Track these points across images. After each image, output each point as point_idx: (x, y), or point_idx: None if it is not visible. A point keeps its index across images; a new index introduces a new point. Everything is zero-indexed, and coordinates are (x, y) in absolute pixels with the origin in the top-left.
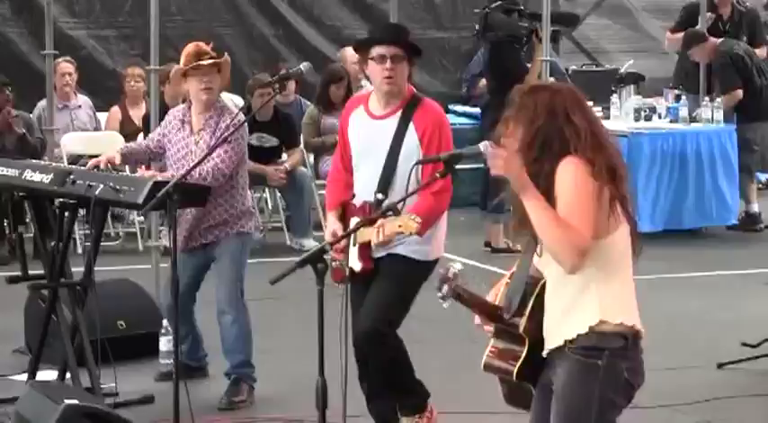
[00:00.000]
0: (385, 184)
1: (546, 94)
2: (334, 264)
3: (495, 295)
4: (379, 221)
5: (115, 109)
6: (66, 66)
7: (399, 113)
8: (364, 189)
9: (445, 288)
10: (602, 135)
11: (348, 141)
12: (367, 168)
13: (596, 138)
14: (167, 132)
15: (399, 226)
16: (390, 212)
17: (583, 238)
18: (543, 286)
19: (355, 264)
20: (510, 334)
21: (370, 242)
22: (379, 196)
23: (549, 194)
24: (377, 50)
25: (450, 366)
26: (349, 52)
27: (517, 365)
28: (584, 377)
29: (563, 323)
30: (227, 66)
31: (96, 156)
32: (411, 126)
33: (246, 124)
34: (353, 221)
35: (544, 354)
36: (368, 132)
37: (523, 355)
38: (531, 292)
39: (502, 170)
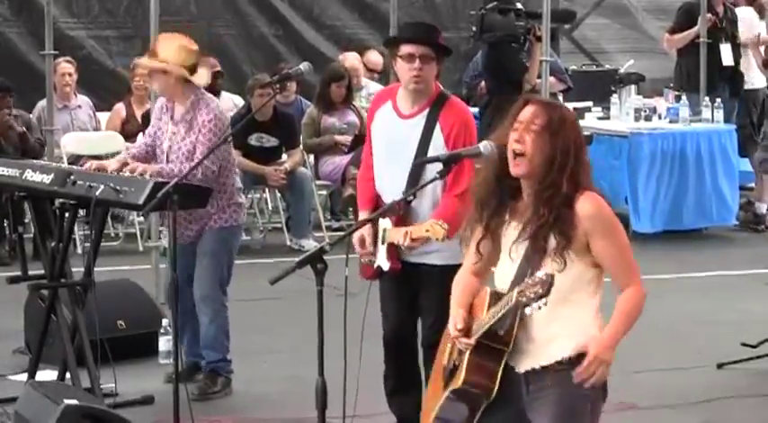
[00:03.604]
0: (413, 184)
1: (565, 112)
2: (363, 260)
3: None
4: (411, 228)
5: (119, 106)
6: (66, 66)
7: (426, 112)
8: (391, 188)
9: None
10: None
11: (371, 136)
12: (394, 167)
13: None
14: (159, 124)
15: (427, 231)
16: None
17: (640, 290)
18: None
19: (384, 263)
20: (489, 350)
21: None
22: (410, 198)
23: (564, 221)
24: (406, 49)
25: None
26: (349, 57)
27: (497, 384)
28: (579, 385)
29: (554, 344)
30: (163, 70)
31: (96, 156)
32: (437, 126)
33: (228, 120)
34: (382, 222)
35: (520, 370)
36: (394, 131)
37: (500, 371)
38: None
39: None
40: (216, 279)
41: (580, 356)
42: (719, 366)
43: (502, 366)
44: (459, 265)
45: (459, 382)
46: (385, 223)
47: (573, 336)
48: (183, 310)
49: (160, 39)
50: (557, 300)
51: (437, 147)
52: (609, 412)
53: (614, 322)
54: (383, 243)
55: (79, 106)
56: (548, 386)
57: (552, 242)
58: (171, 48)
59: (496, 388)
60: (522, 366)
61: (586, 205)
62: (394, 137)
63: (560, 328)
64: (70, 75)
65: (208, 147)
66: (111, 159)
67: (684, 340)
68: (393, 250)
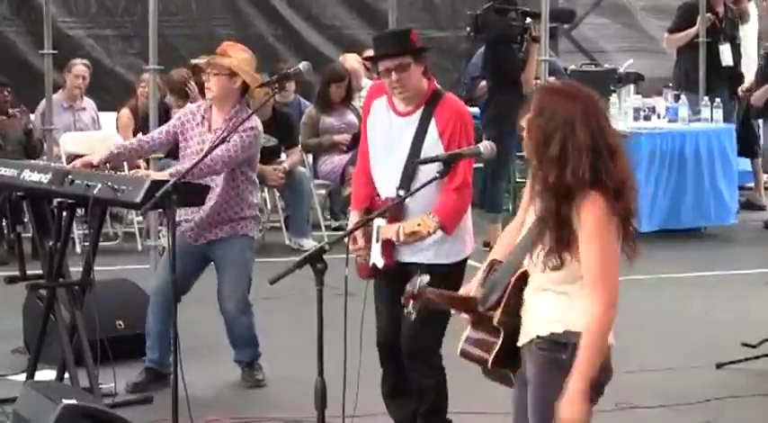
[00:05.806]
0: (407, 181)
1: (563, 100)
2: (358, 259)
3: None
4: (403, 223)
5: (128, 116)
6: (82, 69)
7: (421, 110)
8: (386, 185)
9: (411, 305)
10: (615, 145)
11: (366, 130)
12: (388, 164)
13: (608, 150)
14: (185, 128)
15: (418, 225)
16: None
17: (600, 314)
18: (520, 280)
19: (378, 260)
20: (486, 325)
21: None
22: (401, 193)
23: (564, 217)
24: (381, 65)
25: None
26: (349, 58)
27: (492, 355)
28: (550, 369)
29: (539, 321)
30: (232, 70)
31: None
32: (432, 123)
33: (262, 126)
34: (376, 220)
35: (519, 344)
36: (389, 128)
37: (498, 345)
38: (511, 286)
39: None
40: (247, 288)
41: (552, 335)
42: (719, 366)
43: (501, 339)
44: (450, 264)
45: (459, 350)
46: (379, 221)
47: (555, 319)
48: (169, 314)
49: (228, 45)
50: (548, 289)
51: (431, 143)
52: (608, 412)
53: (577, 365)
54: (377, 241)
55: (83, 108)
56: (529, 363)
57: (547, 238)
58: (243, 54)
59: (491, 358)
60: (519, 341)
61: (583, 205)
62: (389, 133)
63: (547, 312)
64: (84, 78)
65: (236, 140)
66: (96, 154)
67: (684, 340)
68: (388, 247)
